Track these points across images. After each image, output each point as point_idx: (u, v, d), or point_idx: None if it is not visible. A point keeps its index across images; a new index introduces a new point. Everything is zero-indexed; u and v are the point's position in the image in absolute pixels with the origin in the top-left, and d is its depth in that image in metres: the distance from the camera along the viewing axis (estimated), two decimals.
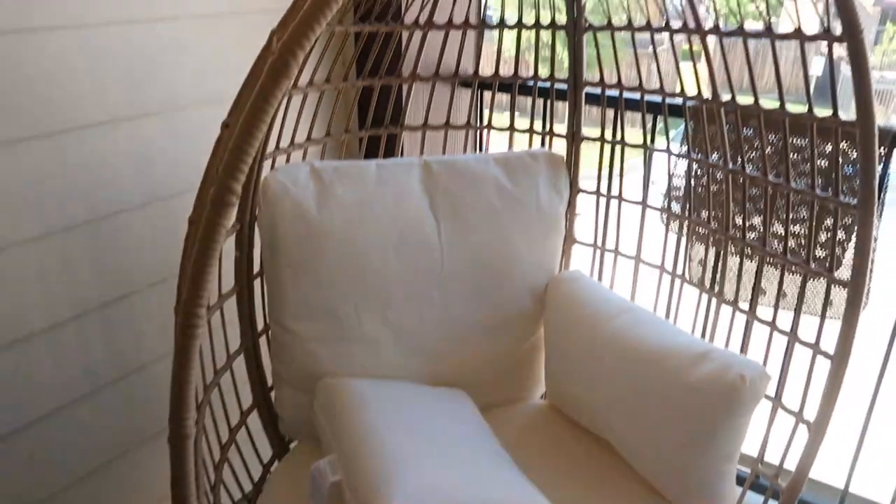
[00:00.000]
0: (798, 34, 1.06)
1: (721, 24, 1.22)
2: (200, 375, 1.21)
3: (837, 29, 0.99)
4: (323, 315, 1.38)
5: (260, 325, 1.46)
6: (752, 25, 1.21)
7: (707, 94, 1.34)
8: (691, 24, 1.22)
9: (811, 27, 1.09)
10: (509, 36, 1.56)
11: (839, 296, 1.26)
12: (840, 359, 1.19)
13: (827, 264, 1.23)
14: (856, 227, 1.12)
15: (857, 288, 1.14)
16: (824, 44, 1.05)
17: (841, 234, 1.28)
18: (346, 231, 1.36)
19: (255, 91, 0.66)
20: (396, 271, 1.40)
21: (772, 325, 1.32)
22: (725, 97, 1.29)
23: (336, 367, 1.40)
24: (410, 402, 1.35)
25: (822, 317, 1.25)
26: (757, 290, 1.37)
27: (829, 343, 1.24)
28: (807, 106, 1.17)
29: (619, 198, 1.59)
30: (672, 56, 1.36)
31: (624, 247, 1.64)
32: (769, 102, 1.25)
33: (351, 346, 1.41)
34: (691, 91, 1.39)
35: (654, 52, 1.47)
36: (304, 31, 0.65)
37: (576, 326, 1.47)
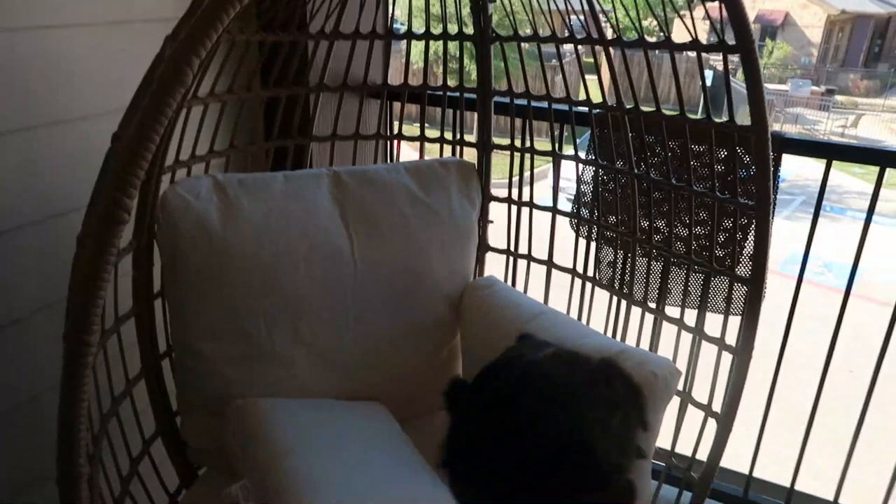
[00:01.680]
0: (695, 45, 1.10)
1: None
2: (97, 406, 1.12)
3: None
4: (231, 334, 1.32)
5: (162, 348, 1.38)
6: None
7: (611, 102, 1.38)
8: (595, 36, 1.24)
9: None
10: (416, 48, 1.55)
11: (739, 292, 1.32)
12: (743, 353, 1.24)
13: (727, 263, 1.28)
14: (753, 228, 1.17)
15: (757, 284, 1.19)
16: (711, 57, 1.10)
17: (738, 234, 1.34)
18: (253, 246, 1.30)
19: (146, 100, 0.61)
20: (308, 285, 1.36)
21: (679, 322, 1.36)
22: (629, 106, 1.33)
23: (247, 388, 1.34)
24: (326, 420, 1.30)
25: (727, 313, 1.30)
26: (664, 291, 1.42)
27: (733, 338, 1.29)
28: (704, 113, 1.22)
29: (531, 204, 1.60)
30: (576, 67, 1.39)
31: (537, 251, 1.66)
32: (669, 110, 1.30)
33: (262, 366, 1.35)
34: (596, 99, 1.43)
35: (561, 63, 1.50)
36: (200, 37, 0.61)
37: (492, 331, 1.47)
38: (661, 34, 1.17)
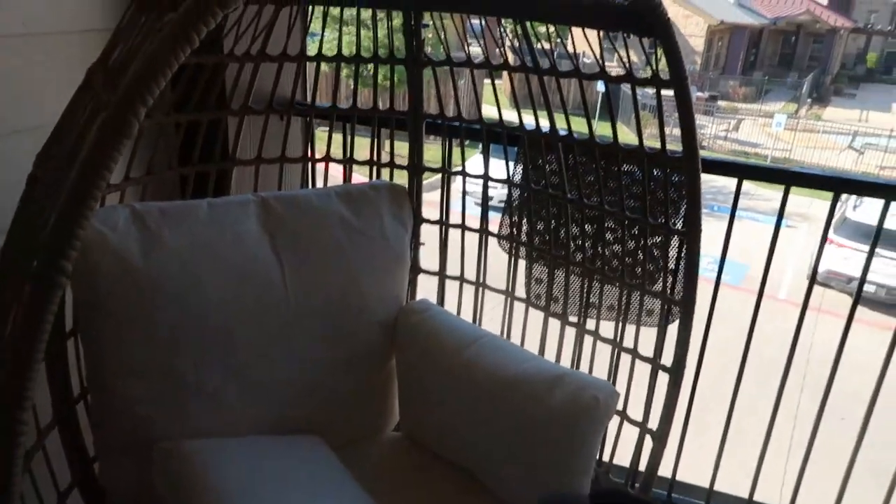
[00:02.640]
0: (629, 78, 1.13)
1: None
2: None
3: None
4: (156, 373, 1.24)
5: (76, 391, 1.27)
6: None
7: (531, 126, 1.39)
8: (529, 65, 1.25)
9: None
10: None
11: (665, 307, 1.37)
12: (676, 371, 1.28)
13: (656, 278, 1.33)
14: (684, 251, 1.21)
15: (688, 306, 1.24)
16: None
17: (657, 252, 1.39)
18: (177, 279, 1.23)
19: (86, 156, 0.55)
20: (238, 318, 1.29)
21: (615, 343, 1.40)
22: (563, 131, 1.35)
23: (174, 428, 1.26)
24: (263, 461, 1.25)
25: (660, 330, 1.35)
26: (599, 309, 1.45)
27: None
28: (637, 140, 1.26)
29: (462, 226, 1.60)
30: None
31: (469, 273, 1.66)
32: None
33: (190, 403, 1.28)
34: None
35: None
36: (149, 86, 0.56)
37: (429, 357, 1.46)
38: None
